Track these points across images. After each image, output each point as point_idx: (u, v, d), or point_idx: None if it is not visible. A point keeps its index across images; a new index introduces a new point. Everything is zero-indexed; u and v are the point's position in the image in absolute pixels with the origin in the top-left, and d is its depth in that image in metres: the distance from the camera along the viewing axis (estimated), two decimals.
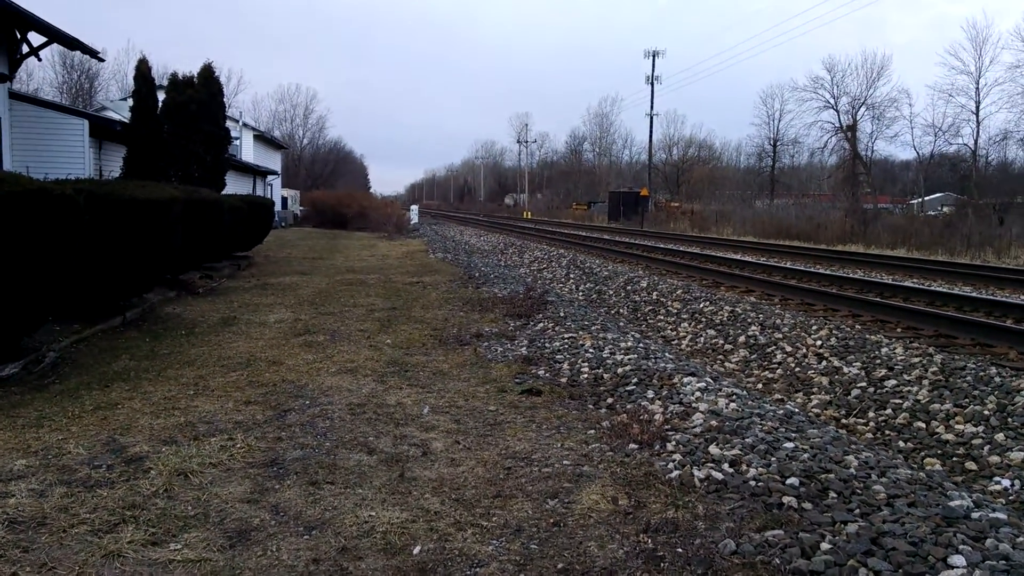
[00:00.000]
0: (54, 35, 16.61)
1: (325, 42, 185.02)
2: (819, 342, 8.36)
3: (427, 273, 16.65)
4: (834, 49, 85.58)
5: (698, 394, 5.79)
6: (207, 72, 19.67)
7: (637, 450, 4.76)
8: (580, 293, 14.67)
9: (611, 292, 14.01)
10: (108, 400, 6.20)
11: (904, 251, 28.04)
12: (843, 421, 6.38)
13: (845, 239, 33.23)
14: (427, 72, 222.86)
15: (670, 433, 4.96)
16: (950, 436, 5.66)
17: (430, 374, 7.17)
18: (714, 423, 5.00)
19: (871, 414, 6.34)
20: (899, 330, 9.29)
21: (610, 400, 6.12)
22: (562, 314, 10.01)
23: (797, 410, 5.61)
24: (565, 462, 4.70)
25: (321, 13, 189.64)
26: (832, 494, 3.86)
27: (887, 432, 6.03)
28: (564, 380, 6.83)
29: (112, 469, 4.61)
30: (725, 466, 4.29)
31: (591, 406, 6.06)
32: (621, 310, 12.50)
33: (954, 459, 5.36)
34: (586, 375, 6.91)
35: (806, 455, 4.39)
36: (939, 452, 5.50)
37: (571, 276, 16.98)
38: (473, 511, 4.03)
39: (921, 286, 13.59)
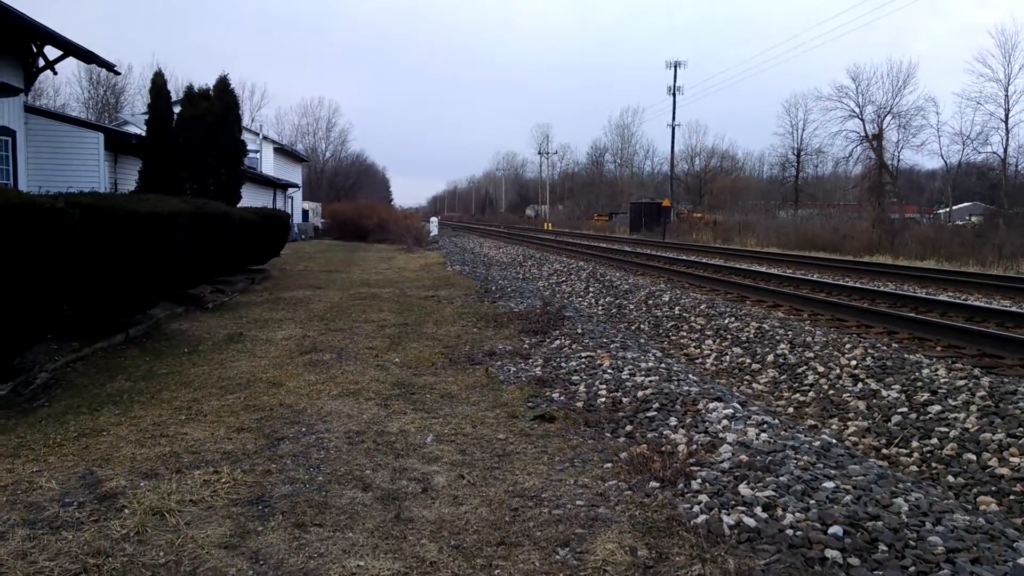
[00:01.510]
0: (70, 49, 16.50)
1: (348, 55, 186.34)
2: (854, 362, 7.83)
3: (443, 287, 16.26)
4: (859, 57, 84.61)
5: (725, 422, 5.31)
6: (222, 85, 19.47)
7: (659, 489, 4.29)
8: (599, 308, 14.20)
9: (632, 307, 13.53)
10: (94, 426, 5.83)
11: (934, 262, 27.28)
12: (884, 451, 5.85)
13: (872, 250, 32.49)
14: (449, 84, 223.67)
15: (695, 469, 4.48)
16: (1005, 470, 5.13)
17: (437, 397, 6.74)
18: (744, 457, 4.52)
19: (915, 444, 5.82)
20: (939, 349, 8.73)
21: (629, 427, 5.66)
22: (580, 330, 9.56)
23: (834, 441, 5.11)
24: (579, 502, 4.24)
25: (344, 27, 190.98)
26: (882, 546, 3.38)
27: (934, 465, 5.51)
28: (580, 404, 6.37)
29: (83, 507, 4.22)
30: (758, 510, 3.82)
31: (608, 434, 5.60)
32: (642, 326, 12.01)
33: (1011, 497, 4.83)
34: (604, 399, 6.44)
35: (849, 497, 3.90)
36: (994, 489, 4.98)
37: (590, 289, 16.50)
38: (473, 562, 3.59)
39: (957, 300, 12.98)
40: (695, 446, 4.94)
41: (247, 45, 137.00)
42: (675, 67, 60.96)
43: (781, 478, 4.16)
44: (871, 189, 56.05)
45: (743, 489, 4.09)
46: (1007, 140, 52.29)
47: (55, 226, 6.70)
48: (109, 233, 8.39)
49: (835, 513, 3.70)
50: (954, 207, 57.65)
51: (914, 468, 5.55)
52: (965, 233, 35.75)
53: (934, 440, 5.80)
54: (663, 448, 5.04)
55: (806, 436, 5.05)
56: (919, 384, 6.86)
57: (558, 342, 9.04)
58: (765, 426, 5.16)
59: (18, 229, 6.19)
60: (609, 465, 4.85)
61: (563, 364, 7.80)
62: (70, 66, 64.80)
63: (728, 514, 3.82)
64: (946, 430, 5.87)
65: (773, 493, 3.98)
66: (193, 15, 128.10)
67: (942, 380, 6.80)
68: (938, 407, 6.29)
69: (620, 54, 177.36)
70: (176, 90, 20.42)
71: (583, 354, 8.13)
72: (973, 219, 49.57)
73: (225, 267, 15.22)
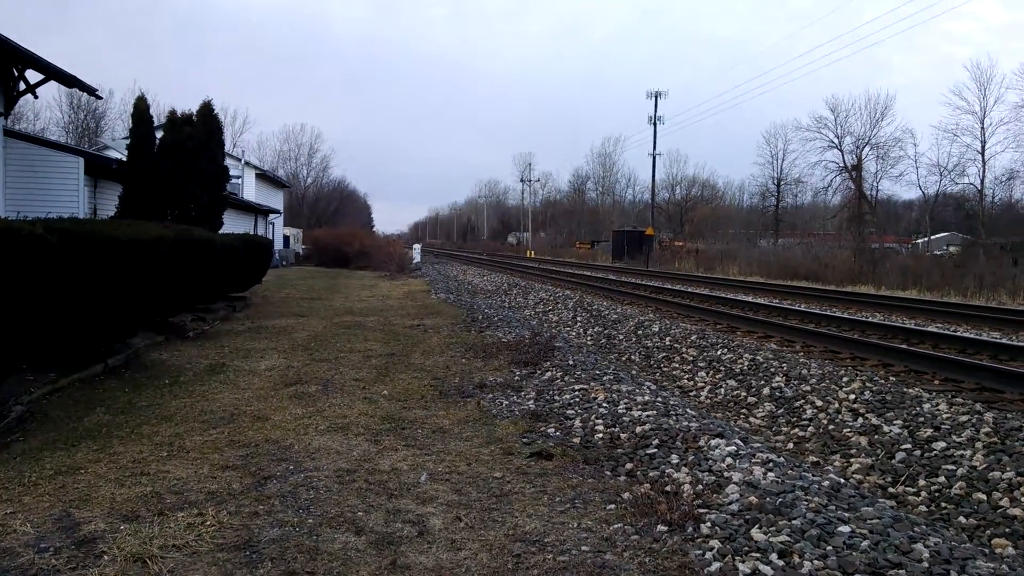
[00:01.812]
0: (51, 72, 16.27)
1: (331, 81, 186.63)
2: (852, 396, 7.71)
3: (428, 315, 16.05)
4: (838, 89, 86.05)
5: (729, 460, 5.14)
6: (206, 109, 19.26)
7: (667, 533, 4.11)
8: (589, 338, 14.04)
9: (621, 337, 13.38)
10: (71, 463, 5.57)
11: (915, 292, 27.44)
12: (891, 490, 5.71)
13: (854, 279, 32.67)
14: (432, 112, 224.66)
15: (703, 512, 4.31)
16: (1017, 511, 4.99)
17: (429, 432, 6.53)
18: (753, 499, 4.35)
19: (922, 482, 5.67)
20: (937, 382, 8.64)
21: (629, 465, 5.48)
22: (571, 362, 9.39)
23: (843, 481, 4.95)
24: (584, 547, 4.04)
25: (328, 55, 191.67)
26: None
27: (943, 504, 5.36)
28: (577, 440, 6.18)
29: (60, 553, 3.97)
30: (773, 557, 3.64)
31: (608, 472, 5.41)
32: (633, 356, 11.86)
33: None
34: (601, 434, 6.26)
35: (867, 543, 3.74)
36: (1007, 531, 4.83)
37: (578, 319, 16.35)
38: None
39: (947, 331, 12.94)
40: (700, 486, 4.77)
41: (230, 71, 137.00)
42: (656, 97, 61.56)
43: (794, 521, 4.00)
44: (851, 219, 56.62)
45: (756, 534, 3.92)
46: (983, 171, 53.03)
47: (32, 253, 6.46)
48: (88, 260, 8.14)
49: (855, 561, 3.53)
50: (932, 237, 58.24)
51: (923, 508, 5.41)
52: (945, 263, 36.09)
53: (941, 478, 5.66)
54: (667, 488, 4.86)
55: (814, 476, 4.89)
56: (921, 420, 6.74)
57: (550, 374, 8.86)
58: (771, 464, 5.00)
59: None
60: (612, 507, 4.66)
61: (556, 397, 7.62)
62: (51, 90, 64.33)
63: (743, 561, 3.64)
64: (953, 468, 5.73)
65: (788, 538, 3.81)
66: (175, 42, 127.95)
67: (944, 415, 6.68)
68: (943, 443, 6.16)
69: (602, 84, 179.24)
70: (157, 115, 20.19)
71: (576, 387, 7.95)
72: (951, 249, 50.13)
73: (206, 295, 14.95)
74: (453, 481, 5.23)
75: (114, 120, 60.22)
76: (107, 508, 4.62)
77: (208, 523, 4.37)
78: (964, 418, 6.53)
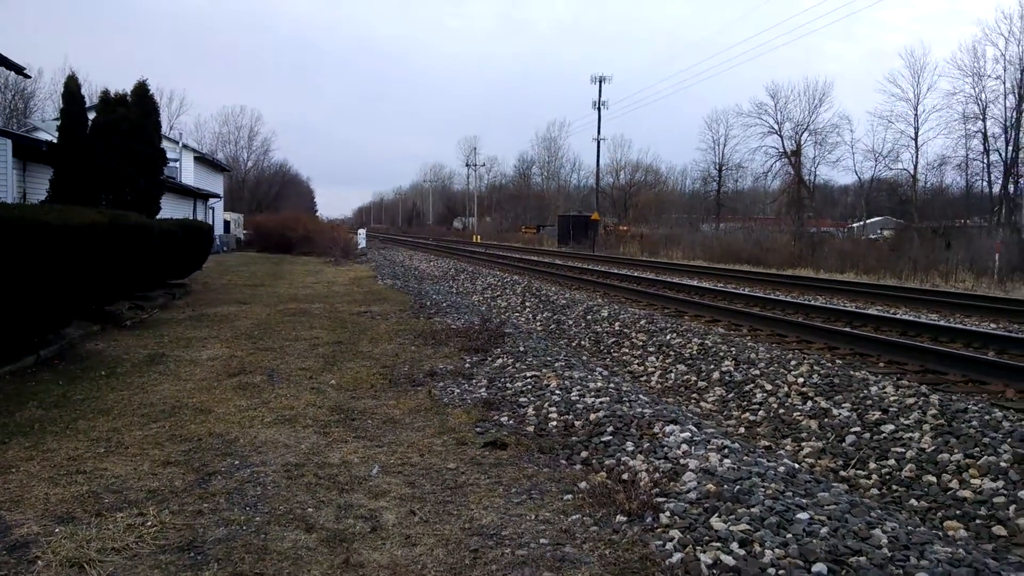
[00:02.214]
0: None
1: (271, 65, 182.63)
2: (801, 379, 7.78)
3: (375, 302, 15.80)
4: (777, 76, 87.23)
5: (685, 447, 5.12)
6: (141, 90, 18.56)
7: (626, 524, 4.05)
8: (538, 323, 13.99)
9: (571, 322, 13.35)
10: (2, 461, 5.28)
11: (853, 275, 28.11)
12: (842, 473, 5.75)
13: (794, 263, 33.34)
14: (375, 95, 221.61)
15: (662, 500, 4.26)
16: (967, 493, 5.07)
17: (379, 423, 6.38)
18: (711, 487, 4.32)
19: (872, 465, 5.73)
20: (882, 364, 8.79)
21: (584, 454, 5.42)
22: (522, 348, 9.31)
23: (797, 466, 4.97)
24: (543, 540, 3.96)
25: (267, 35, 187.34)
26: None
27: (895, 488, 5.42)
28: (531, 429, 6.10)
29: None
30: (735, 546, 3.61)
31: (564, 461, 5.34)
32: (583, 342, 11.83)
33: (977, 522, 4.76)
34: (555, 422, 6.19)
35: (825, 529, 3.74)
36: (958, 513, 4.90)
37: (527, 304, 16.29)
38: None
39: (887, 314, 13.23)
40: (657, 474, 4.73)
41: (165, 52, 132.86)
42: (600, 82, 61.57)
43: (753, 509, 3.97)
44: (790, 203, 57.75)
45: (715, 522, 3.88)
46: (916, 157, 54.58)
47: None
48: (16, 246, 7.75)
49: (816, 548, 3.52)
50: (867, 221, 59.78)
51: (875, 491, 5.46)
52: (880, 247, 37.06)
53: (891, 461, 5.73)
54: (624, 477, 4.81)
55: (769, 461, 4.89)
56: (869, 402, 6.82)
57: (500, 360, 8.76)
58: (726, 451, 4.99)
59: None
60: (570, 497, 4.59)
61: (508, 385, 7.53)
62: None
63: (704, 551, 3.60)
64: (902, 451, 5.81)
65: (748, 527, 3.79)
66: (109, 21, 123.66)
67: (891, 398, 6.77)
68: (891, 426, 6.24)
69: (547, 68, 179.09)
70: (91, 96, 19.40)
71: (528, 374, 7.87)
72: (885, 233, 51.51)
73: (144, 282, 14.46)
74: (406, 473, 5.10)
75: (44, 100, 58.12)
76: (41, 509, 4.38)
77: (149, 523, 4.17)
78: (911, 400, 6.63)
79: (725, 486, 4.33)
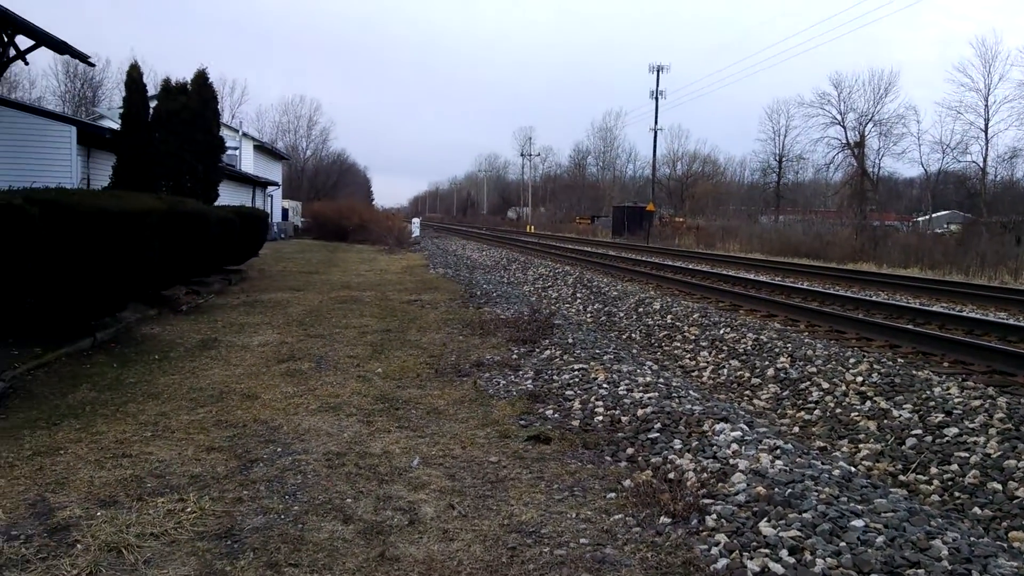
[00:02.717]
0: (42, 38, 15.87)
1: (331, 54, 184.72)
2: (859, 378, 7.48)
3: (426, 290, 15.82)
4: (840, 65, 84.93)
5: (735, 446, 4.93)
6: (200, 79, 18.89)
7: (670, 526, 3.90)
8: (588, 315, 13.81)
9: (622, 314, 13.15)
10: (51, 443, 5.36)
11: (917, 270, 27.21)
12: (902, 478, 5.50)
13: (855, 257, 32.44)
14: (432, 85, 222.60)
15: (708, 502, 4.10)
16: None
17: (423, 413, 6.32)
18: (761, 489, 4.15)
19: (933, 470, 5.47)
20: (946, 364, 8.41)
21: (630, 450, 5.27)
22: (571, 340, 9.17)
23: (853, 469, 4.75)
24: (583, 540, 3.84)
25: (328, 25, 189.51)
26: None
27: (957, 495, 5.16)
28: (576, 423, 5.97)
29: (31, 542, 3.77)
30: (784, 553, 3.44)
31: (609, 458, 5.20)
32: (633, 335, 11.63)
33: None
34: (601, 417, 6.05)
35: (882, 538, 3.54)
36: None
37: (578, 295, 16.12)
38: None
39: (953, 311, 12.72)
40: (705, 474, 4.56)
41: (229, 41, 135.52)
42: (658, 71, 60.76)
43: (805, 514, 3.79)
44: (852, 196, 56.25)
45: (764, 527, 3.71)
46: (987, 150, 52.73)
47: (11, 224, 6.22)
48: (75, 231, 7.90)
49: (871, 558, 3.33)
50: (933, 215, 57.92)
51: (936, 498, 5.20)
52: (946, 241, 35.82)
53: (954, 466, 5.45)
54: (670, 476, 4.65)
55: (824, 463, 4.68)
56: (931, 404, 6.52)
57: (548, 352, 8.64)
58: (779, 451, 4.79)
59: None
60: (613, 495, 4.45)
61: (555, 377, 7.40)
62: (46, 59, 63.65)
63: (751, 558, 3.44)
64: (966, 455, 5.52)
65: (798, 533, 3.61)
66: (174, 12, 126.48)
67: (956, 400, 6.46)
68: (955, 429, 5.94)
69: (603, 57, 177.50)
70: (154, 85, 19.85)
71: (576, 366, 7.73)
72: (951, 227, 49.78)
73: (201, 267, 14.70)
74: (447, 466, 5.03)
75: (111, 90, 59.78)
76: (84, 492, 4.42)
77: (189, 510, 4.17)
78: (976, 403, 6.31)
79: (776, 489, 4.15)
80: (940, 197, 62.60)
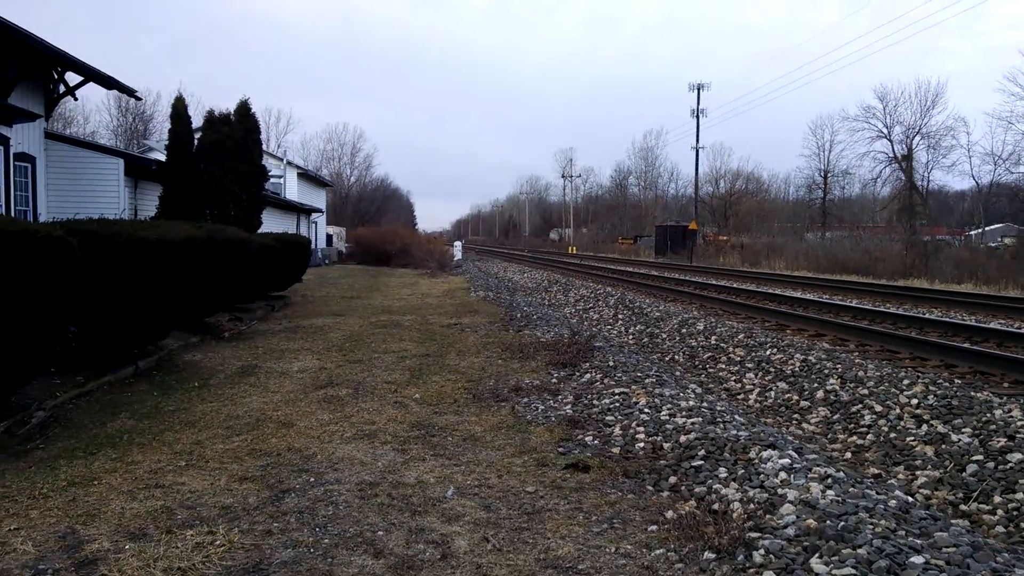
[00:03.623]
0: (90, 74, 16.32)
1: (372, 82, 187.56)
2: (915, 400, 7.15)
3: (466, 314, 15.73)
4: (885, 77, 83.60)
5: (783, 475, 4.70)
6: (243, 109, 19.20)
7: (715, 561, 3.70)
8: (630, 336, 13.57)
9: (664, 336, 12.89)
10: (87, 473, 5.34)
11: (971, 286, 26.39)
12: (963, 507, 5.20)
13: (906, 273, 31.61)
14: (472, 108, 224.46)
15: (755, 536, 3.88)
16: None
17: (459, 440, 6.18)
18: (811, 522, 3.91)
19: (997, 499, 5.15)
20: (1006, 385, 8.03)
21: (673, 479, 5.06)
22: (611, 363, 8.97)
23: (911, 499, 4.48)
24: None
25: (368, 54, 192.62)
26: None
27: (1023, 525, 4.85)
28: (616, 450, 5.78)
29: None
30: None
31: (650, 487, 5.00)
32: (676, 356, 11.37)
33: None
34: (642, 444, 5.85)
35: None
36: None
37: (619, 317, 15.88)
38: None
39: (1011, 328, 12.21)
40: (752, 505, 4.34)
41: (273, 73, 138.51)
42: (698, 89, 60.47)
43: (860, 550, 3.55)
44: (901, 211, 54.95)
45: (816, 565, 3.48)
46: None
47: (52, 255, 6.26)
48: (115, 261, 7.97)
49: None
50: (986, 228, 56.33)
51: (1001, 529, 4.89)
52: (1001, 255, 34.77)
53: (1019, 495, 5.13)
54: (715, 507, 4.44)
55: (878, 493, 4.42)
56: (992, 427, 6.18)
57: (588, 375, 8.46)
58: (830, 480, 4.54)
59: (11, 258, 5.76)
60: (654, 528, 4.25)
61: (595, 402, 7.21)
62: (99, 94, 65.73)
63: None
64: None
65: (853, 571, 3.37)
66: (221, 46, 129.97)
67: (1019, 423, 6.11)
68: (1019, 455, 5.61)
69: (643, 76, 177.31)
70: (201, 117, 20.26)
71: (616, 390, 7.54)
72: (1006, 241, 48.30)
73: (243, 294, 14.82)
74: (482, 496, 4.87)
75: (162, 123, 61.37)
76: (115, 524, 4.36)
77: (218, 543, 4.08)
78: None
79: (828, 521, 3.91)
80: (993, 210, 60.95)
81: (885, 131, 58.39)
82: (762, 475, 4.79)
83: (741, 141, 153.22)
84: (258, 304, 16.40)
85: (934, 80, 79.23)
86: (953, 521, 4.22)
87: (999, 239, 51.60)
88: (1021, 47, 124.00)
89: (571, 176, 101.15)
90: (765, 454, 5.13)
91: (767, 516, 4.15)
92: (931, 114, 57.49)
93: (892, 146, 57.82)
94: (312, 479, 5.16)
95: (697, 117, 60.36)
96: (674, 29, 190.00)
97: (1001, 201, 61.07)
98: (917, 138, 57.35)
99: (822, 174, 71.98)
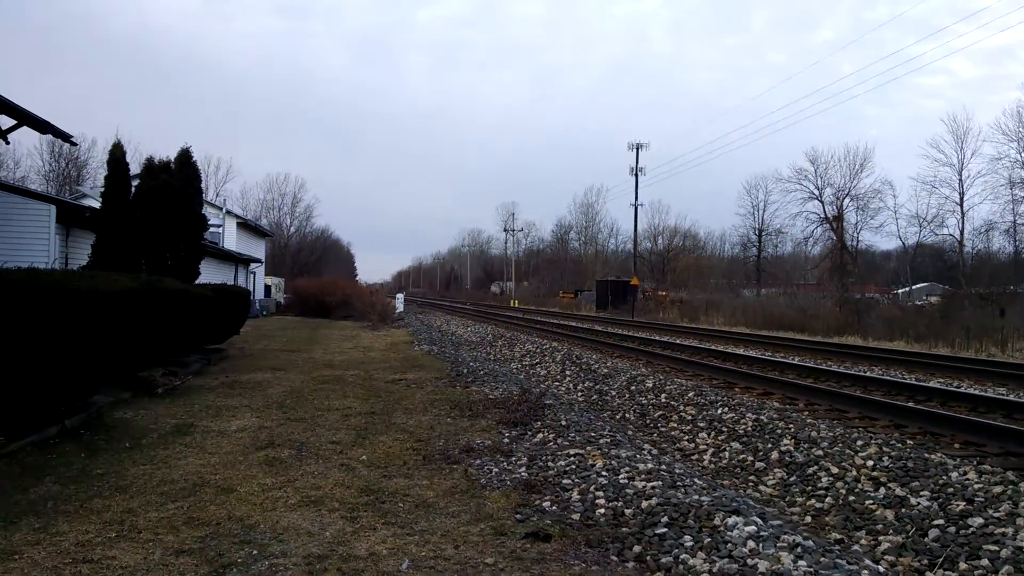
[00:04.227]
0: (23, 117, 15.68)
1: (315, 133, 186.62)
2: (870, 462, 7.12)
3: (411, 369, 15.41)
4: (816, 141, 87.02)
5: (751, 544, 4.55)
6: (184, 157, 18.76)
7: None
8: (579, 394, 13.42)
9: (614, 393, 12.78)
10: (6, 546, 4.89)
11: (903, 343, 27.09)
12: (928, 575, 5.11)
13: (840, 330, 32.37)
14: (414, 161, 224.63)
15: None
16: None
17: (411, 507, 5.89)
18: None
19: (963, 565, 5.07)
20: (957, 446, 8.09)
21: (637, 548, 4.86)
22: (564, 422, 8.79)
23: (882, 569, 4.37)
24: None
25: (310, 105, 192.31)
26: None
27: None
28: (576, 517, 5.56)
29: None
30: None
31: (615, 557, 4.79)
32: (627, 415, 11.24)
33: None
34: (603, 509, 5.65)
35: None
36: None
37: (567, 373, 15.75)
38: None
39: (952, 388, 12.47)
40: None
41: (213, 121, 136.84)
42: (637, 148, 62.04)
43: None
44: (832, 269, 56.71)
45: None
46: (963, 222, 53.56)
47: None
48: (42, 313, 7.51)
49: None
50: (913, 287, 58.37)
51: None
52: (930, 313, 35.89)
53: (984, 561, 5.07)
54: None
55: (850, 564, 4.30)
56: (950, 490, 6.16)
57: (541, 435, 8.25)
58: (799, 549, 4.41)
59: None
60: None
61: (550, 463, 7.00)
62: (32, 138, 63.90)
63: None
64: (995, 548, 5.14)
65: None
66: (159, 92, 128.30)
67: (975, 486, 6.11)
68: (979, 519, 5.58)
69: (584, 134, 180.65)
70: (139, 164, 19.70)
71: (571, 451, 7.34)
72: (932, 299, 50.05)
73: (179, 347, 14.26)
74: (439, 569, 4.59)
75: (96, 169, 59.89)
76: None
77: None
78: (998, 489, 5.96)
79: None
80: (918, 269, 63.28)
81: (816, 192, 60.56)
82: (729, 544, 4.63)
83: (679, 199, 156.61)
84: (194, 357, 15.78)
85: (862, 145, 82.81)
86: None
87: (924, 297, 53.44)
88: (941, 115, 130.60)
89: (513, 230, 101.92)
90: (730, 520, 4.99)
91: None
92: (860, 177, 59.95)
93: (823, 207, 59.95)
94: (255, 551, 4.81)
95: (636, 175, 61.77)
96: (614, 91, 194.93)
97: (926, 261, 63.49)
98: (847, 200, 59.62)
99: (757, 232, 74.08)
